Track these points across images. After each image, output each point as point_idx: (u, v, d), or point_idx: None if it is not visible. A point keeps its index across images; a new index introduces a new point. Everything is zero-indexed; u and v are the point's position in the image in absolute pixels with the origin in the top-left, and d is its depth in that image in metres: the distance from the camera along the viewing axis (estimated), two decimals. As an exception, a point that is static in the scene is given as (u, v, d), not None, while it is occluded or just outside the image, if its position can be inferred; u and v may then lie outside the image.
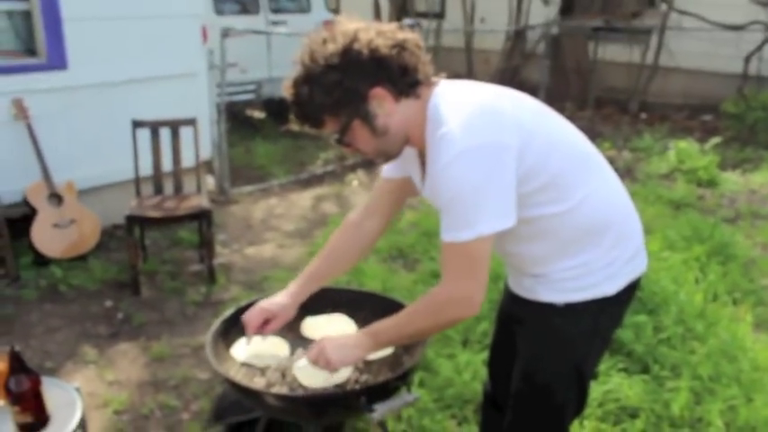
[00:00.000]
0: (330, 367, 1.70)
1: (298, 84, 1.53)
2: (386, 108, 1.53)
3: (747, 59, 8.02)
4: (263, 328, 1.90)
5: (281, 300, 1.91)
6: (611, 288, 1.65)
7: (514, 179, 1.47)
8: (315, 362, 1.72)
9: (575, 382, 1.74)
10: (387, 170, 1.84)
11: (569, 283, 1.64)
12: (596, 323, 1.69)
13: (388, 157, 1.66)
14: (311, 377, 1.86)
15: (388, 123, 1.55)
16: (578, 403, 1.81)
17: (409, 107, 1.55)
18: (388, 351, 2.00)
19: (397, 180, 1.84)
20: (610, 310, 1.70)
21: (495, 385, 2.04)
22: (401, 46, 1.52)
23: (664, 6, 8.47)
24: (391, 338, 1.70)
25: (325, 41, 1.50)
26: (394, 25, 1.58)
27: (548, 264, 1.65)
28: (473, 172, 1.43)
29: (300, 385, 1.85)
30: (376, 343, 1.69)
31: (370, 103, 1.52)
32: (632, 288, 1.72)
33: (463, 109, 1.49)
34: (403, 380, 1.85)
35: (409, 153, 1.69)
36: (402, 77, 1.52)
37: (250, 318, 1.89)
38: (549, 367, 1.71)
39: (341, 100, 1.51)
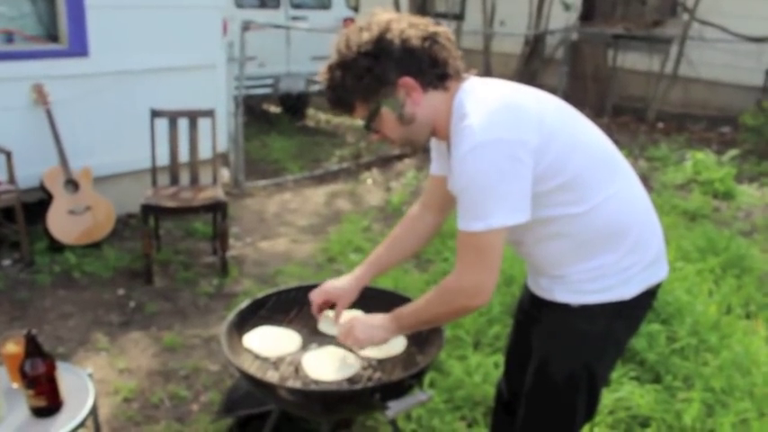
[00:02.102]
0: (357, 345, 1.79)
1: (332, 68, 1.58)
2: (413, 98, 1.57)
3: (768, 72, 7.97)
4: (323, 307, 2.00)
5: (343, 283, 2.00)
6: (626, 292, 1.65)
7: (530, 176, 1.49)
8: (344, 339, 1.80)
9: (586, 383, 1.73)
10: (433, 168, 1.89)
11: (585, 285, 1.65)
12: (610, 326, 1.69)
13: (414, 145, 1.72)
14: (317, 369, 1.86)
15: (415, 113, 1.58)
16: (589, 407, 1.80)
17: (436, 99, 1.58)
18: (400, 349, 2.00)
19: (441, 177, 1.86)
20: (625, 315, 1.70)
21: (509, 384, 2.04)
22: (432, 39, 1.56)
23: (685, 16, 8.41)
24: (411, 323, 1.74)
25: (361, 30, 1.56)
26: (427, 18, 1.61)
27: (565, 265, 1.66)
28: (487, 165, 1.45)
29: (313, 380, 1.85)
30: (399, 326, 1.74)
31: (399, 92, 1.56)
32: (650, 295, 1.72)
33: (486, 104, 1.51)
34: (417, 378, 1.84)
35: (442, 147, 1.72)
36: (431, 69, 1.56)
37: (314, 297, 1.99)
38: (561, 366, 1.72)
39: (370, 86, 1.55)
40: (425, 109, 1.58)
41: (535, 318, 1.80)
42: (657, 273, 1.71)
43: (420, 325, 1.78)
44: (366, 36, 1.54)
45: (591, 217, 1.59)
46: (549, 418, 1.78)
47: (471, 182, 1.47)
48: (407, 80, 1.55)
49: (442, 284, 1.63)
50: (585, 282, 1.65)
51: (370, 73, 1.53)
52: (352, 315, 2.14)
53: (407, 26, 1.54)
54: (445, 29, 1.60)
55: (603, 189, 1.60)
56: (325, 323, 2.10)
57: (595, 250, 1.62)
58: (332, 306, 1.99)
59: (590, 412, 1.82)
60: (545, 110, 1.57)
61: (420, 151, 1.82)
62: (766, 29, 8.04)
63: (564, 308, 1.68)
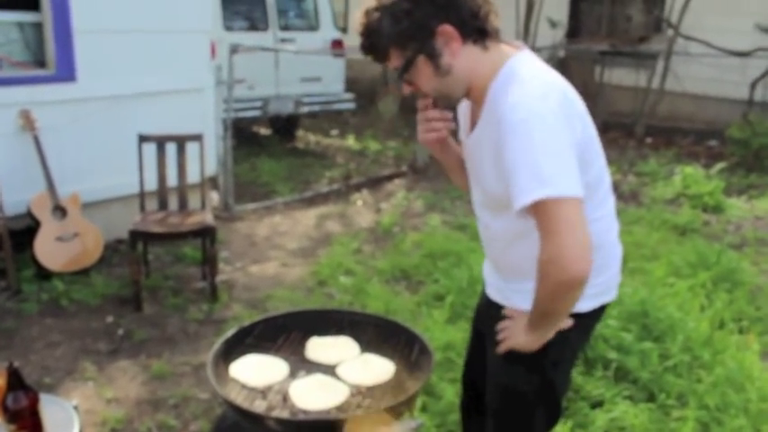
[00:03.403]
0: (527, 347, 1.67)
1: (369, 12, 1.53)
2: (452, 48, 1.52)
3: (753, 86, 8.04)
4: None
5: None
6: (584, 306, 1.68)
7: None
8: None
9: (543, 388, 1.76)
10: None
11: None
12: (566, 335, 1.70)
13: (448, 100, 1.64)
14: (305, 397, 1.84)
15: (452, 64, 1.54)
16: (550, 414, 1.83)
17: (475, 54, 1.55)
18: (389, 375, 1.97)
19: None
20: (581, 324, 1.74)
21: (468, 395, 2.07)
22: None
23: (670, 32, 8.49)
24: (539, 322, 1.61)
25: None
26: None
27: (534, 270, 1.60)
28: (553, 134, 1.43)
29: (301, 410, 1.82)
30: (537, 332, 1.63)
31: (437, 40, 1.51)
32: (603, 309, 1.79)
33: (546, 79, 1.52)
34: (407, 405, 1.82)
35: (466, 107, 1.70)
36: (472, 21, 1.52)
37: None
38: (519, 372, 1.73)
39: (408, 31, 1.50)
40: (463, 62, 1.54)
41: (493, 326, 1.79)
42: (612, 293, 1.78)
43: (546, 317, 1.61)
44: None
45: None
46: (512, 423, 1.81)
47: (535, 147, 1.42)
48: (447, 28, 1.50)
49: (538, 265, 1.52)
50: None
51: (410, 17, 1.49)
52: (341, 342, 2.12)
53: None
54: None
55: (600, 208, 1.64)
56: (314, 350, 2.08)
57: None
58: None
59: (552, 419, 1.84)
60: (584, 111, 1.59)
61: (454, 107, 1.73)
62: (749, 43, 8.13)
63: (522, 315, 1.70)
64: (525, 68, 1.53)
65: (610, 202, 1.72)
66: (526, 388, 1.75)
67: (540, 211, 1.46)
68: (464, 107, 1.74)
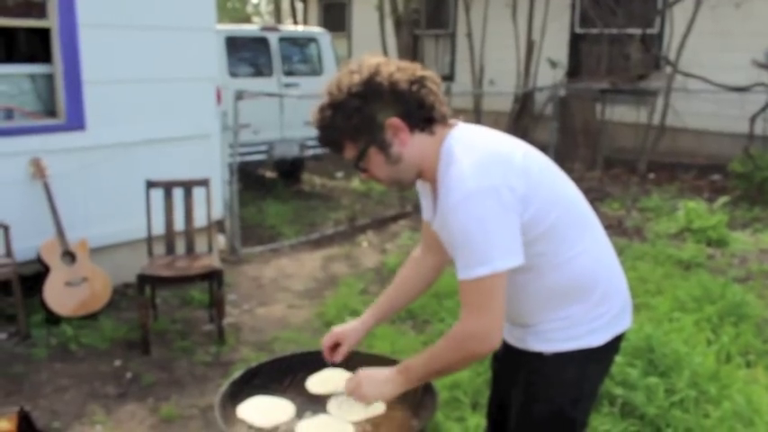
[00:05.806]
0: (365, 401, 1.77)
1: (323, 109, 1.64)
2: (401, 138, 1.63)
3: (753, 120, 8.10)
4: (334, 351, 2.00)
5: (350, 325, 2.02)
6: (595, 340, 1.73)
7: (519, 222, 1.56)
8: (351, 394, 1.78)
9: (563, 426, 1.78)
10: (424, 212, 1.92)
11: (555, 334, 1.73)
12: (583, 371, 1.76)
13: (401, 185, 1.76)
14: None
15: (402, 153, 1.64)
16: None
17: (423, 142, 1.65)
18: (394, 415, 1.99)
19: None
20: (596, 359, 1.78)
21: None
22: (420, 82, 1.63)
23: (668, 69, 8.61)
24: (420, 375, 1.73)
25: (352, 72, 1.62)
26: (416, 64, 1.68)
27: (536, 314, 1.74)
28: (482, 212, 1.51)
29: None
30: (408, 379, 1.73)
31: (386, 132, 1.62)
32: (618, 340, 1.81)
33: (475, 151, 1.59)
34: (412, 444, 1.83)
35: (427, 188, 1.78)
36: (418, 112, 1.63)
37: (324, 342, 2.01)
38: (540, 412, 1.77)
39: (359, 126, 1.61)
40: (412, 150, 1.64)
41: (510, 367, 1.85)
42: (622, 323, 1.80)
43: (431, 375, 1.76)
44: (356, 78, 1.60)
45: (563, 270, 1.68)
46: None
47: (468, 229, 1.52)
48: (395, 121, 1.61)
49: (451, 332, 1.64)
50: (556, 330, 1.73)
51: (359, 113, 1.59)
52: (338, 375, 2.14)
53: (396, 70, 1.62)
54: (432, 73, 1.66)
55: (576, 245, 1.69)
56: (315, 386, 2.08)
57: (566, 302, 1.71)
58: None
59: None
60: (530, 164, 1.64)
61: (408, 189, 1.90)
62: (746, 78, 8.22)
63: (538, 356, 1.75)
64: (459, 146, 1.61)
65: (591, 233, 1.75)
66: (546, 425, 1.78)
67: (471, 287, 1.56)
68: (426, 188, 1.81)
